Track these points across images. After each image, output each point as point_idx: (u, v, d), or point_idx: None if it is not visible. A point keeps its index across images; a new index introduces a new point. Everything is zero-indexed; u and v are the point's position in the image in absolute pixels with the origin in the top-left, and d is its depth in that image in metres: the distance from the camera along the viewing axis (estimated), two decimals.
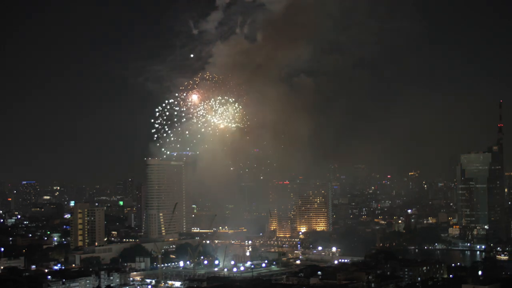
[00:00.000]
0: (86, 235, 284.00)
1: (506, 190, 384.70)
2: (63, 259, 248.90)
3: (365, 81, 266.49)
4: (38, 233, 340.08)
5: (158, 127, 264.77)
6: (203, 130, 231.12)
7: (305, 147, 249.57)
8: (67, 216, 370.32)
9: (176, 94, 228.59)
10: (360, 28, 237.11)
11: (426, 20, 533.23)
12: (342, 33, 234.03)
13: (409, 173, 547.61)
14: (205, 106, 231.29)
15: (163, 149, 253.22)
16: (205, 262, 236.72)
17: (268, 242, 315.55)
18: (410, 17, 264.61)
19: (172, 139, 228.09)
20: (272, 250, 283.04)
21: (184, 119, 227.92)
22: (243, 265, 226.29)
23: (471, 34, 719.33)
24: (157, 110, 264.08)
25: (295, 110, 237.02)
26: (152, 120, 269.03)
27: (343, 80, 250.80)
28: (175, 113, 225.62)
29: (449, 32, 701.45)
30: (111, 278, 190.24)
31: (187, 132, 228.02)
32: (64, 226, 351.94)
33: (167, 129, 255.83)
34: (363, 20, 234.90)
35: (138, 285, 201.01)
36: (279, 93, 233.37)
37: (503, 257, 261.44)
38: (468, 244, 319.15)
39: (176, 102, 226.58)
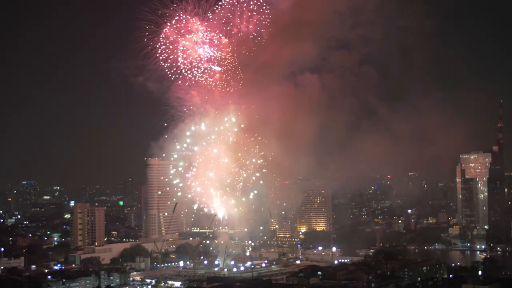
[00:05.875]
0: (86, 235, 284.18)
1: (506, 190, 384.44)
2: (63, 259, 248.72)
3: (371, 79, 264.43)
4: (38, 233, 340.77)
5: (158, 127, 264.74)
6: (204, 129, 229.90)
7: (310, 147, 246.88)
8: (67, 216, 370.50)
9: (177, 94, 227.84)
10: (368, 26, 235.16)
11: (434, 19, 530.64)
12: (350, 31, 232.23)
13: (409, 173, 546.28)
14: (207, 105, 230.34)
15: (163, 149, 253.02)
16: (205, 262, 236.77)
17: (268, 242, 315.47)
18: (420, 16, 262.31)
19: (173, 138, 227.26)
20: (272, 250, 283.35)
21: (185, 119, 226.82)
22: (243, 265, 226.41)
23: (471, 34, 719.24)
24: (157, 110, 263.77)
25: (300, 109, 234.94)
26: (152, 120, 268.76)
27: (350, 78, 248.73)
28: (176, 112, 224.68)
29: (453, 32, 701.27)
30: (111, 278, 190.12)
31: (187, 133, 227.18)
32: (64, 226, 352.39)
33: (167, 129, 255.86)
34: (371, 18, 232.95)
35: (138, 285, 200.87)
36: (283, 91, 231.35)
37: None
38: (468, 244, 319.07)
39: (177, 102, 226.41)
